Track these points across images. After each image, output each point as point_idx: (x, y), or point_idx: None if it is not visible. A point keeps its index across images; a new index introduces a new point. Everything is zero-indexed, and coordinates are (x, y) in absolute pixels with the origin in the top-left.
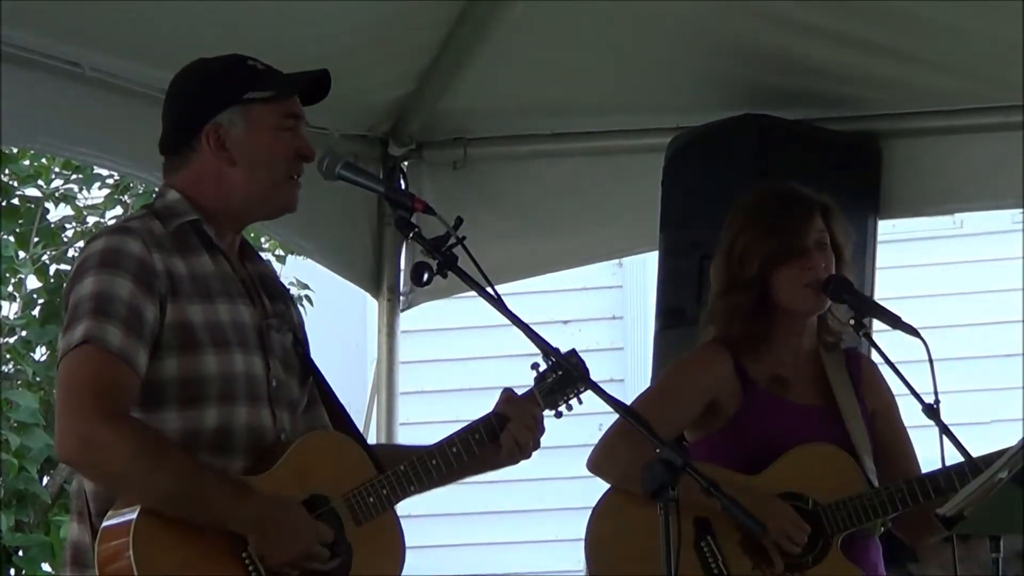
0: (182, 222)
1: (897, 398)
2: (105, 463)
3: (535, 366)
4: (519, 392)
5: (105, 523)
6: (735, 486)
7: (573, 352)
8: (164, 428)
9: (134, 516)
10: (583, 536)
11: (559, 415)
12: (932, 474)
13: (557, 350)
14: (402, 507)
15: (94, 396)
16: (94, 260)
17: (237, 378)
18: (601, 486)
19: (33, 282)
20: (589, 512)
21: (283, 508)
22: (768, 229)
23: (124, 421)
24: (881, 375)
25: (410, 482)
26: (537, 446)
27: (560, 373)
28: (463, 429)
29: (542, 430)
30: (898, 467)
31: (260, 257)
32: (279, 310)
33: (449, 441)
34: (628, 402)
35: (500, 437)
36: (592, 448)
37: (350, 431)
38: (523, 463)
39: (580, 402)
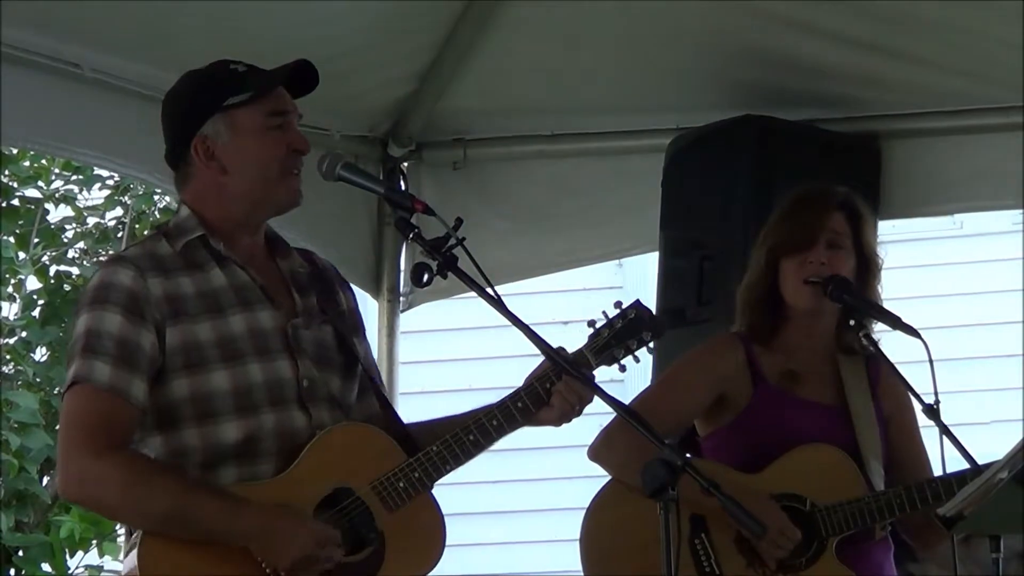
0: (189, 239)
1: None
2: (101, 497)
3: (592, 323)
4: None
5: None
6: (730, 485)
7: (637, 303)
8: (187, 445)
9: (139, 538)
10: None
11: (623, 368)
12: (931, 480)
13: (619, 304)
14: None
15: (84, 434)
16: (87, 297)
17: (254, 388)
18: (600, 486)
19: (33, 283)
20: None
21: (279, 515)
22: (782, 220)
23: (114, 454)
24: (897, 379)
25: (445, 462)
26: (581, 409)
27: (618, 326)
28: (504, 399)
29: (589, 395)
30: (912, 472)
31: (291, 250)
32: (310, 305)
33: (488, 412)
34: (628, 401)
35: (552, 399)
36: (594, 438)
37: (392, 419)
38: (523, 463)
39: (650, 352)
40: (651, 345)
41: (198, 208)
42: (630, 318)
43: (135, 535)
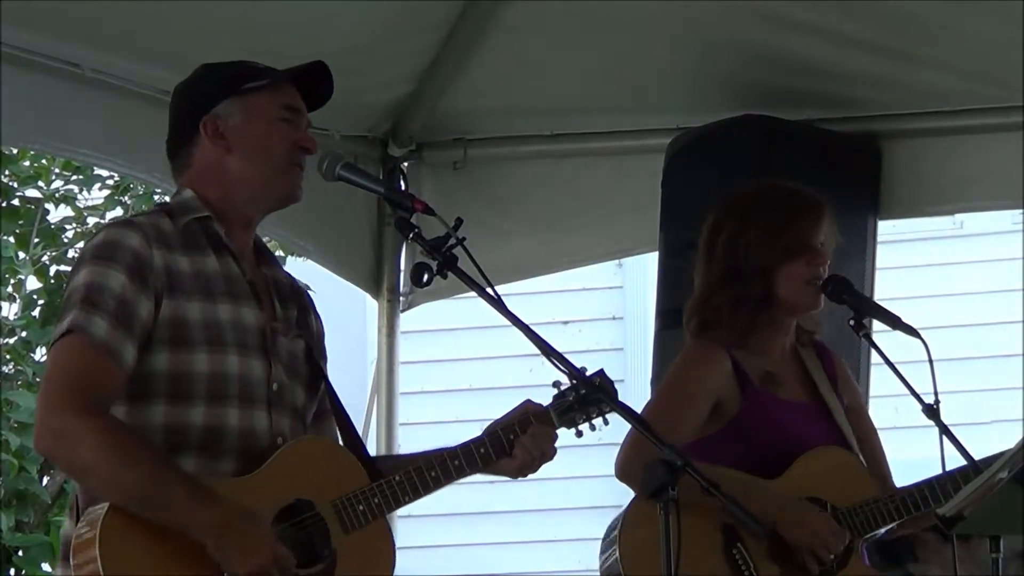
0: (192, 218)
1: (897, 398)
2: (74, 456)
3: (557, 384)
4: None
5: (82, 519)
6: (761, 492)
7: (600, 372)
8: (150, 422)
9: (103, 512)
10: (601, 538)
11: (579, 434)
12: (942, 478)
13: (583, 372)
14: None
15: (72, 388)
16: (91, 252)
17: (229, 379)
18: (600, 486)
19: (33, 283)
20: (588, 512)
21: (245, 520)
22: (782, 224)
23: (98, 415)
24: (849, 370)
25: (405, 492)
26: (541, 463)
27: (582, 392)
28: (468, 441)
29: (551, 452)
30: (871, 463)
31: (277, 261)
32: (290, 316)
33: (451, 452)
34: (629, 401)
35: (514, 451)
36: (616, 456)
37: (355, 445)
38: None
39: (606, 423)
40: (607, 418)
41: (199, 189)
42: (594, 384)
43: (93, 507)
